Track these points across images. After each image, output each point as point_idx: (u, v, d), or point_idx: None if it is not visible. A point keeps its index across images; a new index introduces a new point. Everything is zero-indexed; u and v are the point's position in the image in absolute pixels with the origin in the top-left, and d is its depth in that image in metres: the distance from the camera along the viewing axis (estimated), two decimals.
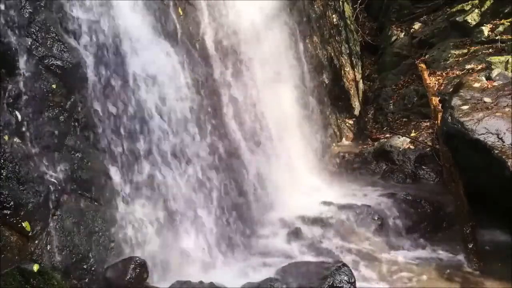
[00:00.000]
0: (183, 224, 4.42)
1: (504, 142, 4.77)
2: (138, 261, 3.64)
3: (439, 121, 6.29)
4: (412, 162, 6.97)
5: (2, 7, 3.30)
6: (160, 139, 4.40)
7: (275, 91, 6.86)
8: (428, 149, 6.95)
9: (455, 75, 7.63)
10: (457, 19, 8.86)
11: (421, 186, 6.52)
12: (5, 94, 3.23)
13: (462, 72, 7.46)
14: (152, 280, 3.82)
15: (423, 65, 8.47)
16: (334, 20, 9.22)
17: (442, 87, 7.53)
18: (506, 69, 6.76)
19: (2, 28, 3.26)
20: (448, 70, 7.98)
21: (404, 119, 8.36)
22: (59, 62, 3.60)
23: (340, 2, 9.42)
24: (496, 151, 4.74)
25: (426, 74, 8.08)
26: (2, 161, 3.07)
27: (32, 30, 3.49)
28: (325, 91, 8.63)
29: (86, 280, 3.50)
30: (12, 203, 3.04)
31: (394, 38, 10.03)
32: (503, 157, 4.67)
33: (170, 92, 4.60)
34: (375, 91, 9.56)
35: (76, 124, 3.76)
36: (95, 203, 3.79)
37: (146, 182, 4.23)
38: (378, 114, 9.01)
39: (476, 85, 5.94)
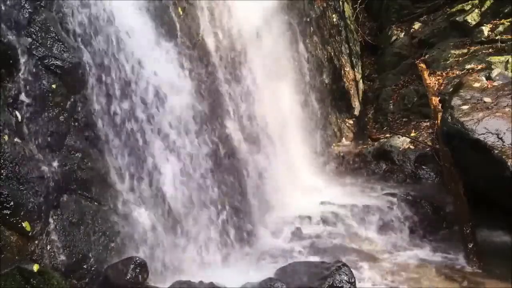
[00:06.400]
0: (183, 224, 4.42)
1: (504, 142, 4.77)
2: (138, 261, 3.64)
3: (439, 121, 6.29)
4: (412, 162, 6.97)
5: (2, 7, 3.30)
6: (160, 139, 4.40)
7: (275, 91, 6.86)
8: (428, 149, 6.95)
9: (455, 75, 7.62)
10: (457, 19, 8.85)
11: (421, 186, 6.52)
12: (5, 94, 3.23)
13: (462, 72, 7.45)
14: (152, 280, 3.82)
15: (423, 65, 8.46)
16: (334, 20, 9.22)
17: (442, 87, 7.53)
18: (506, 69, 6.76)
19: (2, 28, 3.26)
20: (448, 70, 7.97)
21: (404, 119, 8.36)
22: (59, 62, 3.60)
23: (340, 2, 9.42)
24: (496, 151, 4.74)
25: (426, 74, 8.07)
26: (2, 161, 3.06)
27: (32, 30, 3.49)
28: (325, 91, 8.63)
29: (86, 280, 3.50)
30: (12, 203, 3.04)
31: (394, 38, 10.02)
32: (503, 157, 4.67)
33: (170, 91, 4.60)
34: (375, 91, 9.55)
35: (76, 124, 3.76)
36: (95, 203, 3.79)
37: (146, 182, 4.24)
38: (378, 114, 9.00)
39: (476, 85, 5.95)
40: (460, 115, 5.29)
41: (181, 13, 5.20)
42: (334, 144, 8.41)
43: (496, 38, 7.95)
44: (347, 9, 9.70)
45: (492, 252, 4.88)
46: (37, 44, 3.50)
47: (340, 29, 9.33)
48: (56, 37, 3.63)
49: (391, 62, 9.70)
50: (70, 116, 3.71)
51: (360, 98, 9.29)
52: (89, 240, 3.61)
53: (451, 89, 6.66)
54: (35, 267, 2.99)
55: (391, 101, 8.85)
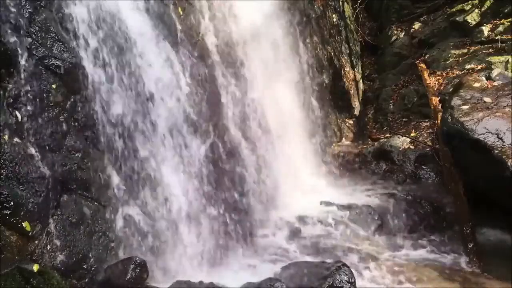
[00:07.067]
0: (183, 224, 4.42)
1: (504, 142, 4.77)
2: (138, 261, 3.64)
3: (439, 121, 6.29)
4: (412, 162, 6.97)
5: (2, 7, 3.30)
6: (160, 139, 4.40)
7: (275, 91, 6.86)
8: (428, 149, 6.95)
9: (455, 75, 7.62)
10: (457, 19, 8.85)
11: (421, 186, 6.52)
12: (5, 94, 3.23)
13: (462, 72, 7.45)
14: (152, 280, 3.82)
15: (423, 65, 8.47)
16: (334, 20, 9.22)
17: (442, 87, 7.53)
18: (506, 69, 6.76)
19: (2, 28, 3.26)
20: (448, 70, 7.97)
21: (404, 119, 8.36)
22: (59, 62, 3.60)
23: (340, 2, 9.42)
24: (496, 151, 4.75)
25: (426, 74, 8.07)
26: (2, 161, 3.06)
27: (32, 30, 3.49)
28: (325, 91, 8.63)
29: (86, 280, 3.50)
30: (12, 203, 3.04)
31: (394, 38, 10.02)
32: (503, 157, 4.68)
33: (170, 92, 4.61)
34: (375, 91, 9.55)
35: (76, 124, 3.75)
36: (95, 203, 3.79)
37: (146, 182, 4.24)
38: (378, 114, 9.00)
39: (476, 85, 5.95)
40: (460, 115, 5.29)
41: (181, 13, 5.20)
42: (334, 144, 8.41)
43: (496, 38, 7.95)
44: (347, 9, 9.69)
45: (492, 252, 4.88)
46: (37, 44, 3.50)
47: (340, 29, 9.33)
48: (56, 37, 3.62)
49: (391, 62, 9.70)
50: (70, 116, 3.71)
51: (360, 98, 9.29)
52: (89, 240, 3.61)
53: (451, 89, 6.67)
54: (35, 267, 2.99)
55: (391, 101, 8.85)
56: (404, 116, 8.42)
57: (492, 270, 4.54)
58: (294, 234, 5.25)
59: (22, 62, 3.36)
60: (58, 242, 3.37)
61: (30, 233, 3.15)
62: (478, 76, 6.33)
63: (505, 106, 5.20)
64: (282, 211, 5.76)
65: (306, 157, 7.35)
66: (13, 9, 3.36)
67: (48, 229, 3.34)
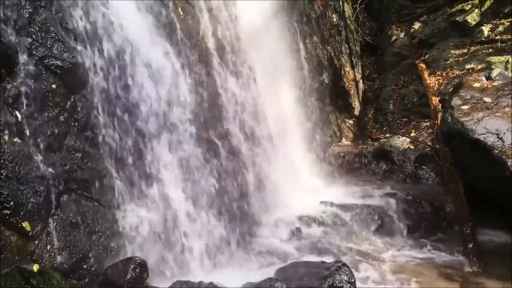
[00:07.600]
0: (183, 224, 4.42)
1: (504, 142, 4.77)
2: (138, 261, 3.64)
3: (439, 121, 6.29)
4: (412, 162, 6.97)
5: (2, 7, 3.30)
6: (159, 139, 4.40)
7: (275, 91, 6.86)
8: (428, 149, 6.95)
9: (455, 75, 7.63)
10: (457, 19, 8.86)
11: (421, 186, 6.52)
12: (5, 94, 3.23)
13: (462, 72, 7.45)
14: (152, 280, 3.82)
15: (423, 65, 8.47)
16: (334, 20, 9.22)
17: (442, 87, 7.53)
18: (506, 69, 6.76)
19: (2, 28, 3.26)
20: (448, 70, 7.97)
21: (404, 119, 8.36)
22: (59, 62, 3.60)
23: (340, 2, 9.42)
24: (496, 151, 4.74)
25: (426, 74, 8.08)
26: (2, 161, 3.06)
27: (32, 30, 3.49)
28: (325, 91, 8.63)
29: (86, 280, 3.50)
30: (12, 203, 3.04)
31: (394, 38, 10.02)
32: (503, 157, 4.67)
33: (170, 92, 4.60)
34: (375, 91, 9.55)
35: (76, 124, 3.76)
36: (95, 203, 3.79)
37: (145, 182, 4.24)
38: (378, 114, 9.01)
39: (476, 85, 5.95)
40: (460, 115, 5.29)
41: (181, 13, 5.19)
42: (334, 144, 8.41)
43: (496, 38, 7.95)
44: (347, 9, 9.70)
45: (492, 252, 4.88)
46: (37, 44, 3.50)
47: (340, 29, 9.33)
48: (56, 37, 3.63)
49: (391, 62, 9.71)
50: (70, 116, 3.71)
51: (360, 98, 9.29)
52: (89, 240, 3.61)
53: (451, 89, 6.67)
54: (35, 267, 3.00)
55: (391, 101, 8.85)
56: (404, 116, 8.43)
57: (492, 270, 4.54)
58: (294, 234, 5.25)
59: (22, 62, 3.36)
60: (58, 242, 3.37)
61: (30, 233, 3.15)
62: (478, 76, 6.33)
63: (505, 106, 5.20)
64: (282, 211, 5.75)
65: (306, 157, 7.35)
66: (13, 9, 3.36)
67: (48, 229, 3.34)
